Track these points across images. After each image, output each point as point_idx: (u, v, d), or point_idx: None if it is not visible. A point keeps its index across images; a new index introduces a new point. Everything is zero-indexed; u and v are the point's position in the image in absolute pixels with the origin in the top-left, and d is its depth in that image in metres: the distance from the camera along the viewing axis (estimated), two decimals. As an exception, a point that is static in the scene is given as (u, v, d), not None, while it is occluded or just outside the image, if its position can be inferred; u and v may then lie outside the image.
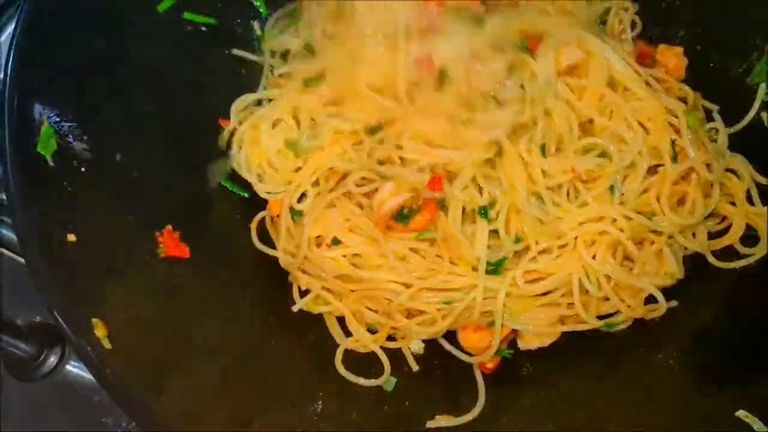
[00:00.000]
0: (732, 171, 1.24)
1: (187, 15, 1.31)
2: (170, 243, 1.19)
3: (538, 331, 1.20)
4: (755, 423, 1.00)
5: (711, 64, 1.30)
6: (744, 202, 1.23)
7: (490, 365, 1.22)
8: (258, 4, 1.42)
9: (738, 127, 1.27)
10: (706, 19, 1.31)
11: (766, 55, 1.23)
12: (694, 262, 1.23)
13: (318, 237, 1.25)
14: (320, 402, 1.16)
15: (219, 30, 1.36)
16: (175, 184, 1.25)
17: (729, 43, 1.28)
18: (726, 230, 1.24)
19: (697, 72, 1.32)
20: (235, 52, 1.39)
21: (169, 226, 1.20)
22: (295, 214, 1.27)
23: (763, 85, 1.24)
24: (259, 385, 1.16)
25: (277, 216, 1.31)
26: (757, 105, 1.25)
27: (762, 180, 1.23)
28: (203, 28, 1.34)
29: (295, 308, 1.26)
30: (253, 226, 1.32)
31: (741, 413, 1.01)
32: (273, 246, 1.30)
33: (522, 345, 1.23)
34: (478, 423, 1.16)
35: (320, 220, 1.24)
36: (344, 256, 1.23)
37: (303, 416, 1.14)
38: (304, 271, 1.26)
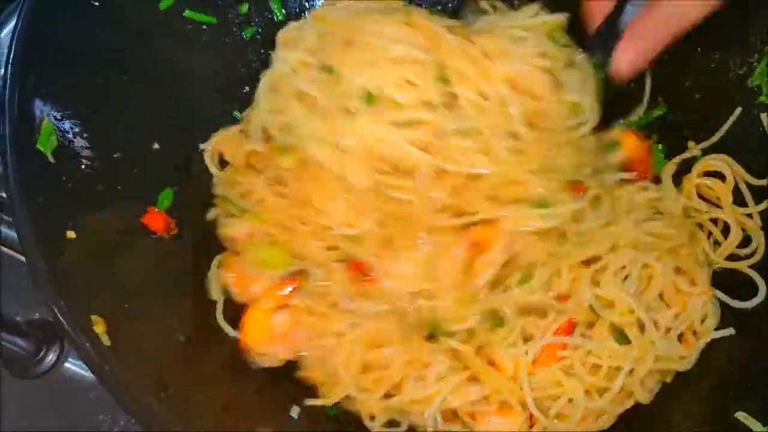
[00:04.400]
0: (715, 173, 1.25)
1: (188, 13, 1.31)
2: (155, 219, 1.19)
3: None
4: (755, 425, 0.99)
5: (711, 65, 1.30)
6: (729, 204, 1.22)
7: None
8: (275, 7, 1.41)
9: (724, 128, 1.27)
10: (706, 21, 1.31)
11: (767, 56, 1.23)
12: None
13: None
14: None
15: (219, 28, 1.36)
16: (176, 182, 1.26)
17: (729, 45, 1.28)
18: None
19: (697, 74, 1.32)
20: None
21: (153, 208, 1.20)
22: None
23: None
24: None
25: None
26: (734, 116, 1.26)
27: (750, 180, 1.22)
28: (204, 27, 1.34)
29: None
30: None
31: (740, 415, 1.01)
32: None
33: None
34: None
35: None
36: None
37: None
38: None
